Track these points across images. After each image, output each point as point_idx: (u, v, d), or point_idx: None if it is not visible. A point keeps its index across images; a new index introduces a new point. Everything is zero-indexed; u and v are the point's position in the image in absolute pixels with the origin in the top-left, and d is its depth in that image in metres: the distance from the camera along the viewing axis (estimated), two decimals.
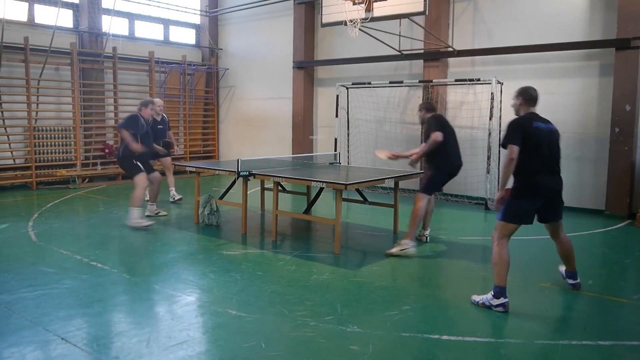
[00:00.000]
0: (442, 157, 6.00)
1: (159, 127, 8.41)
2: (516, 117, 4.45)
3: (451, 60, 9.77)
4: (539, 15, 8.75)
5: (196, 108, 13.70)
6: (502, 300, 4.14)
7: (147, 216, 7.47)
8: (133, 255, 5.62)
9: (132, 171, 7.03)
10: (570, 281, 4.66)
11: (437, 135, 5.82)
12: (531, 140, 4.21)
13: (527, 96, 4.43)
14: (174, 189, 8.96)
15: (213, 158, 13.92)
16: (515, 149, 4.15)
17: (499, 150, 8.87)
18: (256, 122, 13.18)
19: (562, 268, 4.78)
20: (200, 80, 13.60)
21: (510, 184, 4.34)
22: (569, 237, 4.61)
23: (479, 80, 8.69)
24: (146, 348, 3.39)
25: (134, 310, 4.11)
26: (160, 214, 7.75)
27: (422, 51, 9.84)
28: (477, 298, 4.31)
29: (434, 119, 6.12)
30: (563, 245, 4.58)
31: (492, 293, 4.19)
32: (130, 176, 7.14)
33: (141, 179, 6.99)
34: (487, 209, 8.48)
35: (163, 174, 8.57)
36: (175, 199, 8.87)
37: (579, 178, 8.53)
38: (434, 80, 9.40)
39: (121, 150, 7.17)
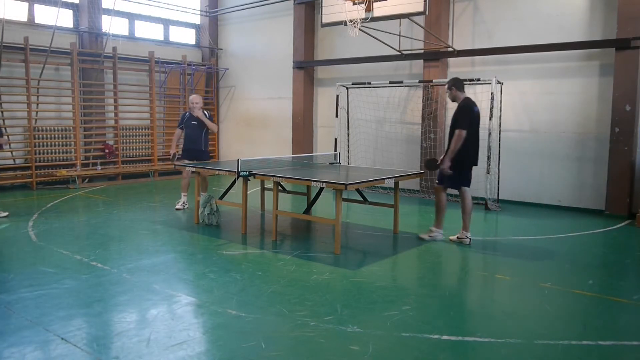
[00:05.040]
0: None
1: (192, 122, 8.19)
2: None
3: (451, 60, 9.76)
4: (539, 15, 8.75)
5: None
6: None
7: None
8: (133, 255, 5.62)
9: None
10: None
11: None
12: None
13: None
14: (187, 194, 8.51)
15: (213, 158, 13.92)
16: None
17: (499, 150, 8.87)
18: (256, 122, 13.18)
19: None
20: (200, 80, 13.60)
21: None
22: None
23: (479, 80, 8.68)
24: (146, 348, 3.39)
25: (134, 310, 4.11)
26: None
27: (422, 51, 9.84)
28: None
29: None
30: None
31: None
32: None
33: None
34: (487, 209, 8.47)
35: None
36: (185, 206, 8.44)
37: (579, 178, 8.54)
38: (434, 80, 9.39)
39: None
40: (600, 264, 5.78)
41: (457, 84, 6.33)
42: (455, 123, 6.13)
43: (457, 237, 6.30)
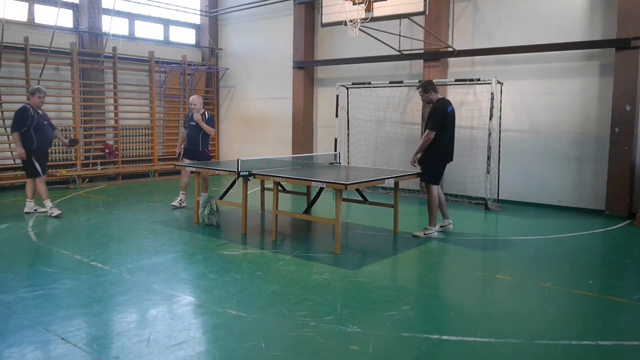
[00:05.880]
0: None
1: (192, 123, 8.31)
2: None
3: (451, 60, 9.76)
4: (539, 15, 8.75)
5: None
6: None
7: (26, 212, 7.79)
8: (133, 255, 5.61)
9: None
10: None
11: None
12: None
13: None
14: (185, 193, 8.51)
15: (213, 158, 13.92)
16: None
17: (499, 150, 8.87)
18: (256, 122, 13.18)
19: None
20: (200, 80, 13.60)
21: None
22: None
23: (479, 80, 8.68)
24: (146, 348, 3.39)
25: (134, 310, 4.11)
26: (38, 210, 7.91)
27: (422, 51, 9.84)
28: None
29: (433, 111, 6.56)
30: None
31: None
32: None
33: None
34: (487, 209, 8.48)
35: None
36: (181, 204, 8.50)
37: (579, 178, 8.54)
38: (434, 81, 9.37)
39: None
40: (600, 264, 5.77)
41: (432, 87, 6.66)
42: (427, 122, 6.53)
43: (424, 233, 6.60)
